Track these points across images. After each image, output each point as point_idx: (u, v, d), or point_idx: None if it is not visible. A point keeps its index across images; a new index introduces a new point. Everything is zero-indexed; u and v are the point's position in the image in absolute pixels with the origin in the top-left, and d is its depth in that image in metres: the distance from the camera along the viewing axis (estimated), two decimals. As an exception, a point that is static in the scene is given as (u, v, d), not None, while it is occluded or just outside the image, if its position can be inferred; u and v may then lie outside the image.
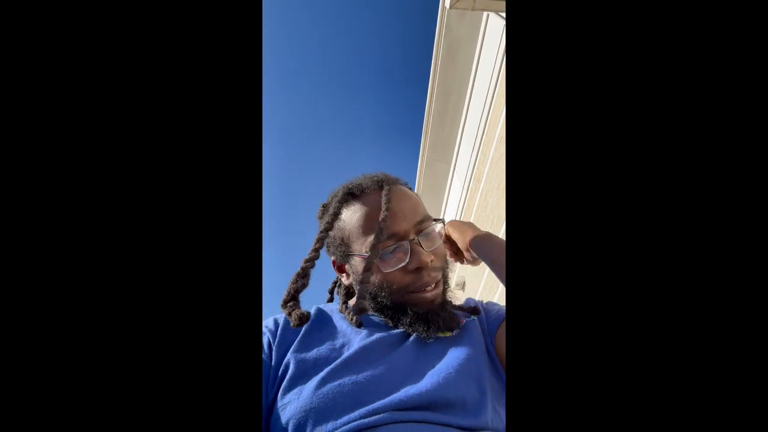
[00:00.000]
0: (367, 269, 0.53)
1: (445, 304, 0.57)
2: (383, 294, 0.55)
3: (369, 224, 0.55)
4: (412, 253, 0.54)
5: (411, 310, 0.54)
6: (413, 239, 0.55)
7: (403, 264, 0.54)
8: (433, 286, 0.55)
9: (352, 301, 0.62)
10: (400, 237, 0.54)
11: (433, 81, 3.86)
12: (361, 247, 0.55)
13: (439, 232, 0.60)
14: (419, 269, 0.54)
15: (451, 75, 3.73)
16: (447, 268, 0.60)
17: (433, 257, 0.55)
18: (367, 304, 0.57)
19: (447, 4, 2.45)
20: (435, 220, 0.60)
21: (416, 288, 0.54)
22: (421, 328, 0.52)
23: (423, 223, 0.57)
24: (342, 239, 0.57)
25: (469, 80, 3.73)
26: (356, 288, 0.59)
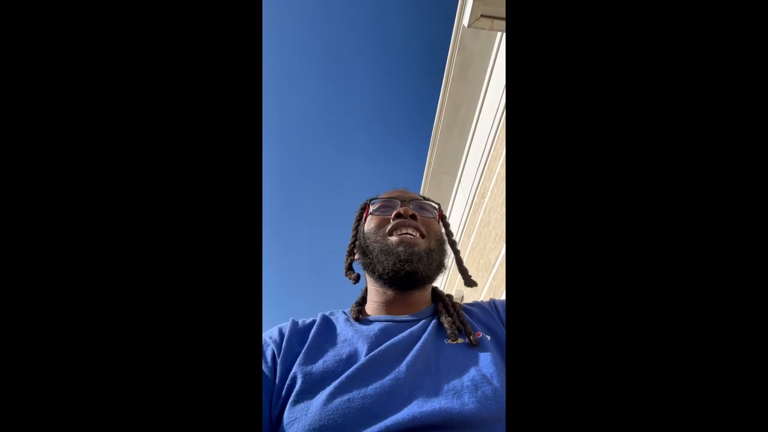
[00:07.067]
0: (359, 218, 0.68)
1: (430, 266, 0.61)
2: (369, 240, 0.63)
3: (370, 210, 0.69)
4: (397, 206, 0.65)
5: (389, 255, 0.59)
6: (403, 202, 0.66)
7: (387, 215, 0.65)
8: (413, 235, 0.61)
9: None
10: (390, 200, 0.67)
11: (444, 95, 3.91)
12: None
13: (432, 211, 0.69)
14: (399, 216, 0.63)
15: (462, 90, 3.78)
16: (437, 242, 0.65)
17: (418, 216, 0.64)
18: (363, 260, 0.65)
19: (465, 22, 2.50)
20: (431, 201, 0.71)
21: (391, 230, 0.62)
22: (400, 276, 0.58)
23: (415, 199, 0.68)
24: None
25: (479, 97, 3.78)
26: (358, 253, 0.68)
